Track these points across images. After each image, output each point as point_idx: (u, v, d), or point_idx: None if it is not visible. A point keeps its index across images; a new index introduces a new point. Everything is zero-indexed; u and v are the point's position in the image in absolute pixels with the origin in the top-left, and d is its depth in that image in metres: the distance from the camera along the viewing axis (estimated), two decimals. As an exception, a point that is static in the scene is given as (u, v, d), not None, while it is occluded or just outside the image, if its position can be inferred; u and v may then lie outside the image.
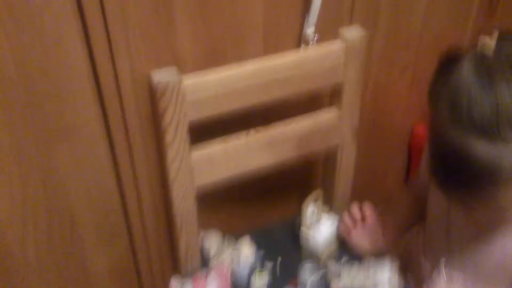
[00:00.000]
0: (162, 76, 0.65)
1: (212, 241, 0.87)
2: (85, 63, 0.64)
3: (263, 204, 0.95)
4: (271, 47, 0.79)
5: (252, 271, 0.86)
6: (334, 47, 0.76)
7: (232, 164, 0.77)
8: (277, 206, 0.96)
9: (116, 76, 0.66)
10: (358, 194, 0.97)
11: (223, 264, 0.84)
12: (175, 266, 0.88)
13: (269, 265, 0.87)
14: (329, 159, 0.89)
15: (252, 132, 0.77)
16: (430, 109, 0.54)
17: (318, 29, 0.79)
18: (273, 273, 0.86)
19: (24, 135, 0.66)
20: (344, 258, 0.87)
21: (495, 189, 0.52)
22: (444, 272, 0.73)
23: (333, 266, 0.85)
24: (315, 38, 0.79)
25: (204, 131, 0.73)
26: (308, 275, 0.85)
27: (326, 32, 0.78)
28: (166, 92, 0.65)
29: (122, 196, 0.78)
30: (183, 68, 0.70)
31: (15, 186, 0.69)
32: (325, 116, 0.82)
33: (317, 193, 0.87)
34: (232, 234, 0.89)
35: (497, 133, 0.48)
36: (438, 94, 0.53)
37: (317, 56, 0.76)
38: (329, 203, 0.91)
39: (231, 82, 0.70)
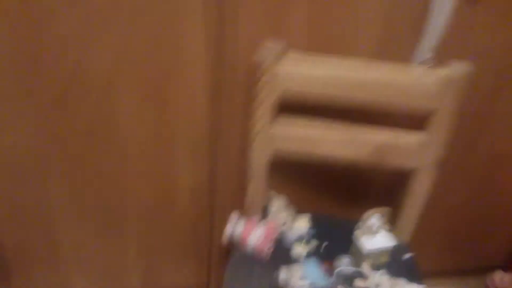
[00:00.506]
0: (271, 46, 0.82)
1: (277, 202, 1.01)
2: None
3: (337, 196, 1.03)
4: (383, 52, 0.87)
5: (297, 240, 0.97)
6: (438, 74, 0.81)
7: (308, 144, 0.89)
8: (346, 203, 1.04)
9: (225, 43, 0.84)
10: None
11: (276, 221, 0.97)
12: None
13: (314, 243, 0.97)
14: (407, 180, 0.94)
15: (335, 124, 0.88)
16: None
17: (437, 54, 0.86)
18: (314, 251, 0.95)
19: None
20: (382, 271, 0.92)
21: None
22: None
23: (367, 270, 0.91)
24: (431, 61, 0.85)
25: (293, 108, 0.87)
26: (342, 265, 0.92)
27: (445, 57, 0.83)
28: (267, 60, 0.81)
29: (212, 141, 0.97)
30: (295, 46, 0.84)
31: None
32: (411, 137, 0.87)
33: (384, 210, 0.94)
34: (298, 208, 1.02)
35: None
36: None
37: (419, 79, 0.82)
38: (392, 222, 0.96)
39: (327, 70, 0.82)
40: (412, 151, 0.88)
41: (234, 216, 0.96)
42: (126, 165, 0.95)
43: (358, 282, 0.89)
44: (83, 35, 0.79)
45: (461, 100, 0.82)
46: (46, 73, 0.82)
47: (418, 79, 0.82)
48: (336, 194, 1.03)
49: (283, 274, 0.85)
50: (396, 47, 0.88)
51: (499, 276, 0.97)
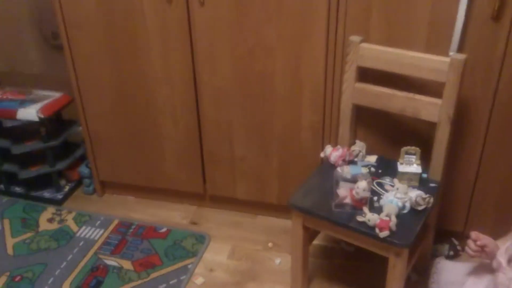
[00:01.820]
0: (353, 39, 1.48)
1: (358, 143, 1.62)
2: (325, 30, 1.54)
3: (396, 142, 1.58)
4: (431, 47, 1.43)
5: (364, 165, 1.56)
6: (446, 59, 1.35)
7: (377, 101, 1.50)
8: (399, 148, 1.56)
9: (337, 32, 1.52)
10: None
11: (351, 150, 1.58)
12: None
13: (372, 170, 1.55)
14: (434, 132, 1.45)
15: (394, 91, 1.47)
16: None
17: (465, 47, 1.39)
18: (371, 173, 1.53)
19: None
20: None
21: None
22: None
23: (396, 182, 1.45)
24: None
25: (369, 77, 1.50)
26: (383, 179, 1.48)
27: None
28: (352, 46, 1.47)
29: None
30: (372, 39, 1.48)
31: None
32: (433, 100, 1.40)
33: (414, 148, 1.47)
34: (370, 151, 1.61)
35: None
36: None
37: (437, 62, 1.37)
38: (424, 161, 1.48)
39: (383, 54, 1.44)
40: (434, 109, 1.41)
41: (328, 145, 1.61)
42: (275, 102, 1.71)
43: (386, 185, 1.44)
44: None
45: (462, 78, 1.33)
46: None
47: (438, 63, 1.37)
48: (397, 142, 1.57)
49: (340, 168, 1.47)
50: (438, 41, 1.43)
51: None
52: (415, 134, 1.55)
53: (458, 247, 1.73)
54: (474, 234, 1.22)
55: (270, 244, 1.85)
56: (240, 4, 1.56)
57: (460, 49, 1.41)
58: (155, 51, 1.72)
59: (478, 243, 1.20)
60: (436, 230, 1.63)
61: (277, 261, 1.78)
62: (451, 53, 1.39)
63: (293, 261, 1.56)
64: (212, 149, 1.86)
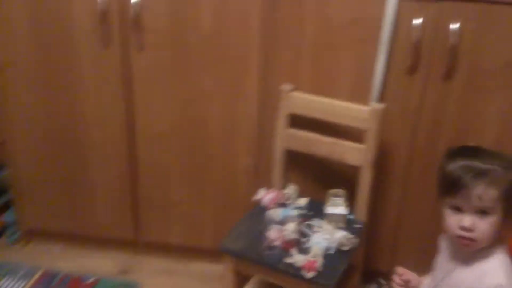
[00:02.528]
0: (284, 88, 1.57)
1: (290, 186, 1.68)
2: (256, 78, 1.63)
3: (325, 184, 1.65)
4: (355, 96, 1.54)
5: (295, 208, 1.61)
6: (366, 108, 1.46)
7: (305, 146, 1.58)
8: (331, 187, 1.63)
9: (269, 81, 1.61)
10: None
11: (283, 193, 1.64)
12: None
13: (302, 212, 1.60)
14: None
15: (321, 135, 1.56)
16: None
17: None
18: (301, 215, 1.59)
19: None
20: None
21: None
22: None
23: (324, 224, 1.51)
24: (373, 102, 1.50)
25: (299, 123, 1.59)
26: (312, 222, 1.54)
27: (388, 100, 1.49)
28: (284, 95, 1.56)
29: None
30: (301, 88, 1.57)
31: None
32: (357, 145, 1.50)
33: (340, 191, 1.55)
34: (302, 195, 1.67)
35: None
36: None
37: (359, 110, 1.48)
38: (350, 203, 1.55)
39: (312, 102, 1.54)
40: (358, 153, 1.50)
41: (261, 189, 1.66)
42: (212, 147, 1.75)
43: (314, 227, 1.50)
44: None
45: (382, 125, 1.44)
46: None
47: (359, 111, 1.48)
48: (325, 185, 1.64)
49: (270, 211, 1.51)
50: (360, 92, 1.55)
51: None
52: (342, 177, 1.64)
53: (385, 287, 1.80)
54: (399, 269, 1.28)
55: (204, 291, 1.84)
56: (179, 51, 1.62)
57: (380, 99, 1.53)
58: (91, 94, 1.72)
59: (403, 277, 1.25)
60: (363, 271, 1.69)
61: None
62: (371, 103, 1.51)
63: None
64: (147, 194, 1.86)
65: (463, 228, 1.08)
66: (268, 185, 1.69)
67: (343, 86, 1.57)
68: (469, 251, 1.10)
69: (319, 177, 1.71)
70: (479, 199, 1.05)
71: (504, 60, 1.43)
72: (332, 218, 1.52)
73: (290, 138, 1.60)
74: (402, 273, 1.27)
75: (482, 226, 1.07)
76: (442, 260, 1.23)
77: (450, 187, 1.09)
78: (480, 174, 1.06)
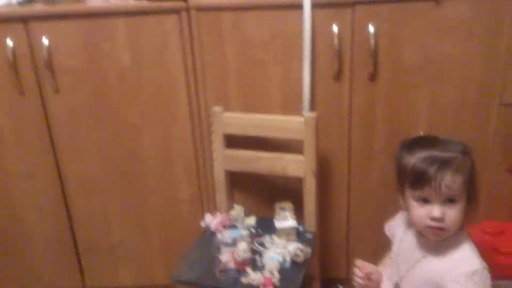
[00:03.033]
0: (216, 109, 1.55)
1: (237, 208, 1.65)
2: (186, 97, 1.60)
3: (271, 200, 1.64)
4: (287, 109, 1.55)
5: (244, 228, 1.58)
6: (300, 119, 1.47)
7: (245, 165, 1.57)
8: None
9: (199, 105, 1.59)
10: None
11: (230, 215, 1.61)
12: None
13: (253, 230, 1.58)
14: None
15: (259, 152, 1.55)
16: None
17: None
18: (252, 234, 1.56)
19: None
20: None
21: None
22: None
23: (275, 239, 1.49)
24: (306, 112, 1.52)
25: (236, 143, 1.57)
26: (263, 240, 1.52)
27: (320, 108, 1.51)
28: (216, 116, 1.54)
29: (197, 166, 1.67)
30: (234, 107, 1.56)
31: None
32: (296, 157, 1.51)
33: (287, 204, 1.54)
34: (250, 213, 1.65)
35: None
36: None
37: (293, 122, 1.49)
38: (299, 215, 1.55)
39: (246, 120, 1.53)
40: (299, 165, 1.51)
41: (207, 215, 1.62)
42: (148, 180, 1.69)
43: (266, 243, 1.48)
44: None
45: (317, 134, 1.45)
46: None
47: (293, 123, 1.48)
48: (271, 200, 1.63)
49: (220, 234, 1.47)
50: (292, 103, 1.56)
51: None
52: (287, 190, 1.63)
53: (345, 293, 1.80)
54: (358, 262, 1.26)
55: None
56: (98, 88, 1.56)
57: (312, 108, 1.55)
58: (12, 145, 1.63)
59: (364, 270, 1.24)
60: (321, 279, 1.69)
61: None
62: (304, 113, 1.53)
63: None
64: (87, 239, 1.76)
65: (434, 219, 1.09)
66: (213, 209, 1.65)
67: (274, 101, 1.57)
68: (437, 240, 1.12)
69: (264, 193, 1.69)
70: (447, 188, 1.07)
71: (423, 55, 1.49)
72: (282, 232, 1.50)
73: (229, 159, 1.58)
74: (361, 266, 1.25)
75: (451, 215, 1.09)
76: (405, 250, 1.23)
77: (416, 181, 1.10)
78: (445, 164, 1.08)
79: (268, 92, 1.57)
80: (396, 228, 1.29)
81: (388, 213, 1.62)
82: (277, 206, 1.54)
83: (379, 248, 1.49)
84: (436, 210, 1.09)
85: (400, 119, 1.57)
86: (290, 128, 1.49)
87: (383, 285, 1.25)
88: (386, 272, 1.29)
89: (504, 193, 1.59)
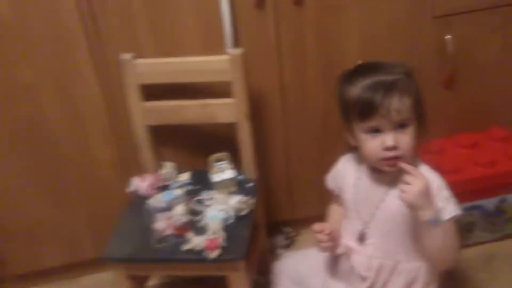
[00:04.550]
0: (125, 56, 1.32)
1: (167, 165, 1.48)
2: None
3: (205, 152, 1.48)
4: (208, 48, 1.36)
5: (179, 187, 1.42)
6: (224, 57, 1.29)
7: (169, 116, 1.38)
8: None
9: (104, 55, 1.36)
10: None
11: (160, 175, 1.44)
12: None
13: (188, 188, 1.42)
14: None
15: (182, 100, 1.37)
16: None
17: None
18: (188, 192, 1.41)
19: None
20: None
21: None
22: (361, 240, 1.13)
23: (215, 194, 1.35)
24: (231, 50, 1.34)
25: (155, 94, 1.37)
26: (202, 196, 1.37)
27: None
28: (126, 65, 1.32)
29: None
30: (142, 55, 1.34)
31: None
32: (226, 101, 1.34)
33: (223, 154, 1.39)
34: (184, 169, 1.48)
35: None
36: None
37: (216, 62, 1.30)
38: (237, 164, 1.41)
39: (163, 66, 1.33)
40: (229, 109, 1.35)
41: (132, 178, 1.43)
42: (59, 148, 1.46)
43: (206, 201, 1.34)
44: None
45: (246, 72, 1.28)
46: None
47: (217, 63, 1.30)
48: (205, 152, 1.47)
49: (151, 200, 1.31)
50: (213, 41, 1.37)
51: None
52: (220, 139, 1.47)
53: (291, 234, 1.73)
54: (317, 226, 1.13)
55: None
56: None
57: (236, 45, 1.37)
58: None
59: (326, 232, 1.12)
60: (267, 225, 1.59)
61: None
62: (227, 50, 1.35)
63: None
64: (2, 224, 1.53)
65: (388, 148, 1.01)
66: (140, 171, 1.47)
67: (192, 41, 1.38)
68: (395, 171, 1.03)
69: (195, 146, 1.53)
70: (397, 112, 0.99)
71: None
72: (221, 185, 1.37)
73: (149, 112, 1.38)
74: (322, 228, 1.13)
75: (404, 140, 1.01)
76: (363, 194, 1.14)
77: (364, 111, 1.01)
78: (390, 88, 1.00)
79: (184, 33, 1.36)
80: (344, 176, 1.19)
81: (327, 148, 1.55)
82: (212, 158, 1.38)
83: (322, 187, 1.41)
84: (388, 138, 1.00)
85: (332, 46, 1.44)
86: (215, 70, 1.31)
87: (344, 240, 1.16)
88: (344, 225, 1.20)
89: (442, 108, 1.53)
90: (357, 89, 1.02)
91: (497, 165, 1.43)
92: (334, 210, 1.27)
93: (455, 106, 1.55)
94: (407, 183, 0.98)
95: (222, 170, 1.39)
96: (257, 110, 1.44)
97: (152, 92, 1.37)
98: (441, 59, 1.46)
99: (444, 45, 1.44)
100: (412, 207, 0.98)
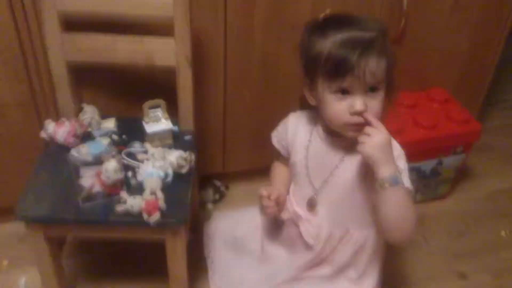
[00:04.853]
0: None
1: (88, 109, 1.27)
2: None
3: (131, 101, 1.31)
4: None
5: (103, 135, 1.24)
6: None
7: (94, 54, 1.17)
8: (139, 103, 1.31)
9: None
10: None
11: (82, 121, 1.24)
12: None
13: (114, 137, 1.25)
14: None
15: (113, 36, 1.16)
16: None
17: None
18: (114, 142, 1.23)
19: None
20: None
21: None
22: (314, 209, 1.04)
23: (149, 147, 1.19)
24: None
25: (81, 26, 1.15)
26: (132, 147, 1.21)
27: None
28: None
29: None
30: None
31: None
32: (165, 41, 1.16)
33: (160, 101, 1.22)
34: (107, 114, 1.29)
35: None
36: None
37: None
38: (173, 113, 1.26)
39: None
40: (169, 50, 1.17)
41: (47, 121, 1.22)
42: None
43: (139, 154, 1.18)
44: None
45: (190, 8, 1.11)
46: None
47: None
48: (133, 98, 1.30)
49: (74, 151, 1.12)
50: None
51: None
52: (154, 84, 1.29)
53: (222, 188, 1.64)
54: (264, 191, 1.05)
55: (5, 262, 1.40)
56: None
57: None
58: None
59: (272, 197, 1.04)
60: (198, 178, 1.48)
61: (22, 281, 1.35)
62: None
63: (44, 282, 1.19)
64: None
65: (356, 113, 0.91)
66: (56, 115, 1.26)
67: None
68: (356, 137, 0.93)
69: (122, 90, 1.34)
70: (372, 75, 0.89)
71: None
72: (155, 137, 1.21)
73: (71, 46, 1.16)
74: (269, 193, 1.04)
75: (374, 105, 0.92)
76: (315, 159, 1.05)
77: (335, 70, 0.89)
78: (367, 47, 0.88)
79: None
80: (294, 136, 1.09)
81: (266, 102, 1.44)
82: (146, 105, 1.21)
83: (256, 141, 1.33)
84: (358, 102, 0.91)
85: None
86: (154, 3, 1.12)
87: (292, 205, 1.09)
88: (292, 189, 1.12)
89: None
90: (327, 44, 0.91)
91: (437, 128, 1.43)
92: (279, 170, 1.19)
93: (400, 63, 1.50)
94: (368, 134, 0.90)
95: (156, 120, 1.23)
96: (197, 54, 1.28)
97: (76, 24, 1.14)
98: (393, 15, 1.40)
99: (401, 1, 1.37)
100: (370, 160, 0.90)
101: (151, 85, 1.29)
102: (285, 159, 1.15)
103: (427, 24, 1.46)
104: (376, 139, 0.89)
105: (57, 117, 1.25)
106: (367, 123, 0.91)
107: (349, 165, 1.00)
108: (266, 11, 1.31)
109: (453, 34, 1.50)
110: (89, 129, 1.25)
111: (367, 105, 0.91)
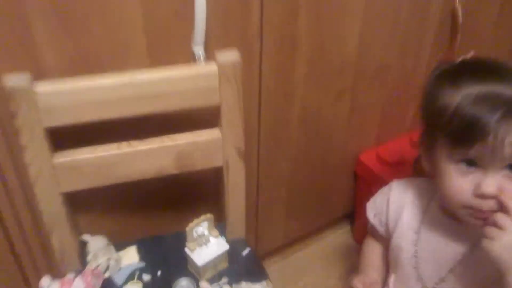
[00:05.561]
0: (13, 80, 0.67)
1: (94, 245, 0.89)
2: None
3: (154, 215, 0.95)
4: (157, 61, 0.80)
5: (129, 279, 0.87)
6: (208, 69, 0.75)
7: (102, 174, 0.79)
8: (170, 218, 0.96)
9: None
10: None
11: (94, 269, 0.85)
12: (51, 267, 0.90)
13: (146, 277, 0.87)
14: (219, 180, 0.88)
15: (124, 144, 0.78)
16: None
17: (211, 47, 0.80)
18: (151, 283, 0.86)
19: None
20: (224, 280, 0.87)
21: None
22: None
23: (204, 284, 0.84)
24: (202, 57, 0.79)
25: (73, 138, 0.75)
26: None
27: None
28: (16, 97, 0.68)
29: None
30: (45, 75, 0.71)
31: None
32: (207, 136, 0.81)
33: (207, 216, 0.87)
34: (122, 241, 0.91)
35: None
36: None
37: (190, 76, 0.75)
38: (220, 226, 0.91)
39: (89, 92, 0.71)
40: (211, 148, 0.82)
41: (44, 281, 0.82)
42: None
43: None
44: None
45: (240, 89, 0.77)
46: None
47: (190, 78, 0.75)
48: (160, 212, 0.94)
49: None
50: (168, 49, 0.80)
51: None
52: (178, 197, 0.94)
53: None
54: (358, 282, 0.81)
55: None
56: None
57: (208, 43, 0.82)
58: None
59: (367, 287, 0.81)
60: None
61: None
62: (195, 49, 0.80)
63: None
64: None
65: (483, 196, 0.66)
66: (49, 263, 0.86)
67: (133, 50, 0.79)
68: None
69: (130, 204, 0.96)
70: None
71: None
72: (208, 266, 0.86)
73: (66, 173, 0.77)
74: (364, 284, 0.81)
75: (510, 190, 0.65)
76: (429, 244, 0.79)
77: (463, 133, 0.65)
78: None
79: (116, 40, 0.76)
80: (398, 211, 0.83)
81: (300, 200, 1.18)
82: (190, 227, 0.84)
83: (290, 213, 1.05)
84: (489, 182, 0.65)
85: (328, 33, 0.99)
86: (192, 89, 0.76)
87: None
88: (392, 284, 0.84)
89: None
90: (459, 96, 0.66)
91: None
92: (373, 252, 0.93)
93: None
94: (500, 226, 0.65)
95: (204, 242, 0.87)
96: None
97: (66, 135, 0.75)
98: (451, 29, 1.16)
99: (456, 14, 1.12)
100: (501, 265, 0.65)
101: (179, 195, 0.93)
102: (383, 238, 0.89)
103: (476, 33, 1.23)
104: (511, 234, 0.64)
105: (55, 269, 0.85)
106: (500, 209, 0.65)
107: (479, 262, 0.73)
108: (308, 58, 0.99)
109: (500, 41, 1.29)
110: (107, 275, 0.86)
111: (501, 189, 0.65)
